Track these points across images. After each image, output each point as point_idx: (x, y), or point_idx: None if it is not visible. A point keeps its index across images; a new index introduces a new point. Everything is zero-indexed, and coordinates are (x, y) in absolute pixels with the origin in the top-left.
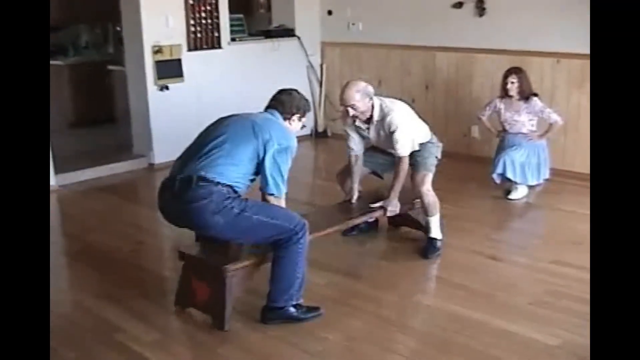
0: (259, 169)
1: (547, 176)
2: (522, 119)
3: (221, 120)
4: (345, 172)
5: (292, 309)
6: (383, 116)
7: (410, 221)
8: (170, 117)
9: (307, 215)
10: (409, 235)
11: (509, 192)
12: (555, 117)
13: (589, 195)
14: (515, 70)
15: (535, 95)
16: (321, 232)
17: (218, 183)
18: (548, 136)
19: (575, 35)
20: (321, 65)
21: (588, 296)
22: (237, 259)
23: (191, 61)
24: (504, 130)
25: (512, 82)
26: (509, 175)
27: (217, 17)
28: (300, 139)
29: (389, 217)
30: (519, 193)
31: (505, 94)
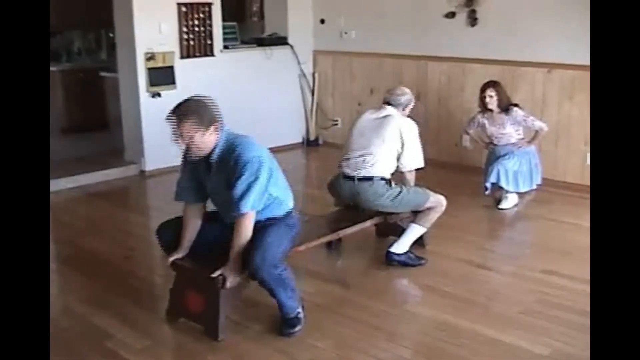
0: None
1: (539, 182)
2: (508, 131)
3: None
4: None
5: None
6: None
7: (399, 230)
8: (162, 124)
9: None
10: None
11: (499, 201)
12: (539, 123)
13: (581, 205)
14: (492, 84)
15: (515, 105)
16: (313, 242)
17: None
18: (536, 142)
19: (566, 45)
20: (313, 74)
21: (578, 305)
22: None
23: (184, 68)
24: (492, 143)
25: (491, 96)
26: (502, 183)
27: (210, 25)
28: (292, 147)
29: (376, 226)
30: (510, 202)
31: (484, 107)
